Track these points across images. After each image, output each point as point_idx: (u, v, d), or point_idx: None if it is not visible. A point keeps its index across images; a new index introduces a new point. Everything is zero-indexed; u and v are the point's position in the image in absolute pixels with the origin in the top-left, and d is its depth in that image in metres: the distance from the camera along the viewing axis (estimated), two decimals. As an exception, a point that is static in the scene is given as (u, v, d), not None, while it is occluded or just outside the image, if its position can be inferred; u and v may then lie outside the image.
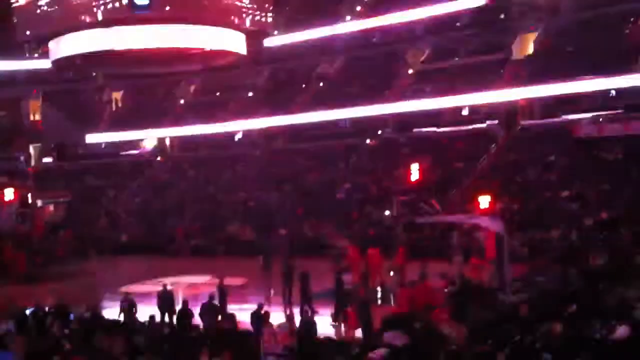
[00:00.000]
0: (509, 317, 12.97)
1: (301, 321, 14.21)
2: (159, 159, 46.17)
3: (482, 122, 35.45)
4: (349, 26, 41.20)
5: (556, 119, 32.84)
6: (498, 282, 17.25)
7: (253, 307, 15.96)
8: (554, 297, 14.46)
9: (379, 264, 21.16)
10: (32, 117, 46.99)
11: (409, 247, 23.01)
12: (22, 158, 44.09)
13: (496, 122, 34.75)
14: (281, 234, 30.59)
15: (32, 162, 45.36)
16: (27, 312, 17.72)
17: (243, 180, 39.41)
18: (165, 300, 18.29)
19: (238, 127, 43.01)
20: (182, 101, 47.70)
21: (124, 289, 23.19)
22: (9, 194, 34.37)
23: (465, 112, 36.73)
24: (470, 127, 35.55)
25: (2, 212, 35.55)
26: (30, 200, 38.71)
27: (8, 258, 28.71)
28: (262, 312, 15.76)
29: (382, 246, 23.79)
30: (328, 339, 13.94)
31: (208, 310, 16.71)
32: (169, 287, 18.75)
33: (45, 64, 40.44)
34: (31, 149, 45.90)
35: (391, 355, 12.00)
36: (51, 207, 39.98)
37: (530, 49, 35.50)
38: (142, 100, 47.74)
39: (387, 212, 30.35)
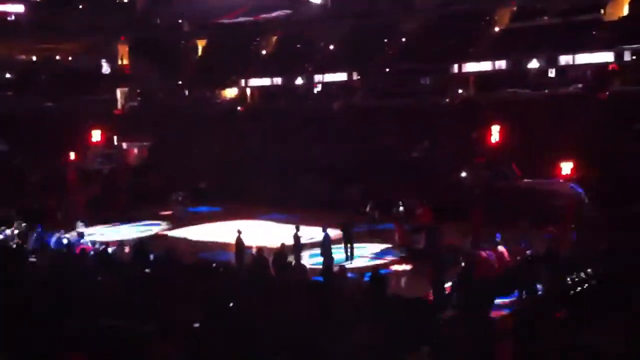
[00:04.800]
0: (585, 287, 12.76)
1: (372, 275, 14.38)
2: (239, 108, 46.83)
3: (568, 86, 34.29)
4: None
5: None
6: (576, 253, 16.91)
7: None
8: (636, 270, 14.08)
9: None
10: (120, 62, 48.30)
11: (485, 210, 22.68)
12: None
13: (583, 86, 33.51)
14: (354, 191, 30.82)
15: (119, 106, 46.83)
16: (109, 249, 18.64)
17: (320, 133, 39.53)
18: (239, 247, 18.84)
19: (317, 80, 42.98)
20: (264, 52, 48.02)
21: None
22: (96, 135, 35.68)
23: (551, 75, 35.53)
24: (555, 90, 34.43)
25: (89, 153, 37.10)
26: (115, 143, 40.23)
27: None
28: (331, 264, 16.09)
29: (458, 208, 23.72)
30: (398, 296, 14.13)
31: (280, 260, 17.10)
32: (242, 235, 19.16)
33: (134, 10, 41.46)
34: (118, 93, 47.35)
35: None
36: (135, 150, 41.33)
37: (624, 11, 33.84)
38: (224, 50, 48.27)
39: (464, 174, 29.95)
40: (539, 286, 14.94)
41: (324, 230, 18.80)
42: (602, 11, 34.34)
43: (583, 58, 32.29)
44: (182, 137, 42.36)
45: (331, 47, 44.71)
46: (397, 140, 36.08)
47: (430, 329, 11.20)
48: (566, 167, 22.12)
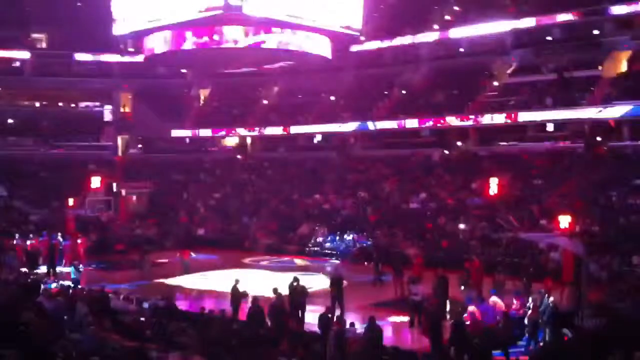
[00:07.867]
0: (583, 342, 12.65)
1: (368, 327, 14.20)
2: (239, 157, 47.10)
3: (566, 140, 34.62)
4: (436, 35, 41.03)
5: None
6: (574, 306, 16.76)
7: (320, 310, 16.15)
8: (632, 324, 13.97)
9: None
10: (122, 109, 48.68)
11: (482, 262, 22.61)
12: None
13: (581, 140, 33.81)
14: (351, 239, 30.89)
15: (119, 153, 47.07)
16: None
17: (319, 183, 39.72)
18: (235, 296, 18.68)
19: (318, 130, 43.38)
20: (265, 102, 48.53)
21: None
22: (96, 182, 35.80)
23: (549, 129, 35.87)
24: (553, 144, 34.75)
25: (88, 200, 37.18)
26: (115, 189, 40.33)
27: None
28: (330, 315, 15.93)
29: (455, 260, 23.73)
30: (396, 348, 13.95)
31: (277, 311, 16.88)
32: (239, 284, 19.00)
33: (138, 58, 42.04)
34: (119, 140, 47.65)
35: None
36: (134, 198, 41.41)
37: (623, 68, 34.38)
38: (226, 99, 48.85)
39: (462, 225, 29.98)
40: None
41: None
42: (599, 67, 34.88)
43: (581, 113, 32.67)
44: (181, 184, 42.56)
45: (332, 97, 45.22)
46: (394, 191, 36.19)
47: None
48: (564, 221, 22.09)
